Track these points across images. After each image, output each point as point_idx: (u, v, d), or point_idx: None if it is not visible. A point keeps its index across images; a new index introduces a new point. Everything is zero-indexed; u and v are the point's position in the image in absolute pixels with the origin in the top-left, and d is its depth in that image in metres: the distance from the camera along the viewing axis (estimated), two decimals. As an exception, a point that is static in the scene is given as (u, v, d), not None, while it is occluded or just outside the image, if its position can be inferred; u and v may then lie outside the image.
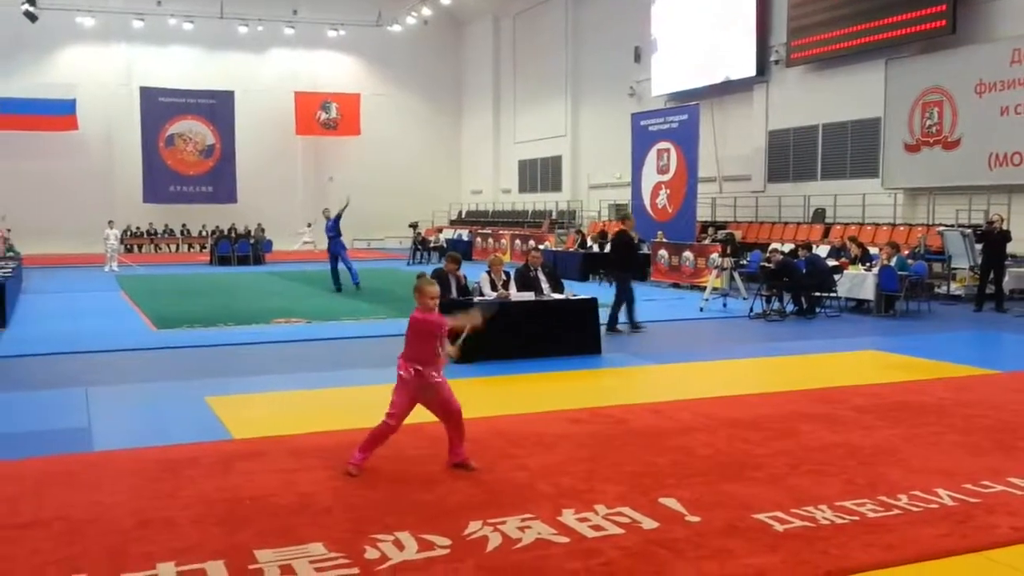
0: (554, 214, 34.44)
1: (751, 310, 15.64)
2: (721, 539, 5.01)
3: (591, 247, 25.40)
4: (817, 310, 15.78)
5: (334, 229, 20.15)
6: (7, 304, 15.06)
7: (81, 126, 37.25)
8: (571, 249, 26.01)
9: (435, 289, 6.52)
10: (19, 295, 18.36)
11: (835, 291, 16.05)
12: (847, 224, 21.87)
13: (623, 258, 14.26)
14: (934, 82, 20.32)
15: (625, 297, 13.83)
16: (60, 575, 4.57)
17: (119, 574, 4.57)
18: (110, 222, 29.16)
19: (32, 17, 33.28)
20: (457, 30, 43.71)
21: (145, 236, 39.38)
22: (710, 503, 5.61)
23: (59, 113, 36.81)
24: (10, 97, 36.08)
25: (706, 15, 27.21)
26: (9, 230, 31.67)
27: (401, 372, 6.41)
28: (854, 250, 17.42)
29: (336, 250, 20.09)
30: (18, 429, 7.92)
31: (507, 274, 12.06)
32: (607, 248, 24.52)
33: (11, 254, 25.22)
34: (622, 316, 13.78)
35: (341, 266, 20.15)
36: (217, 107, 39.65)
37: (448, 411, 6.50)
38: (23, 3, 32.73)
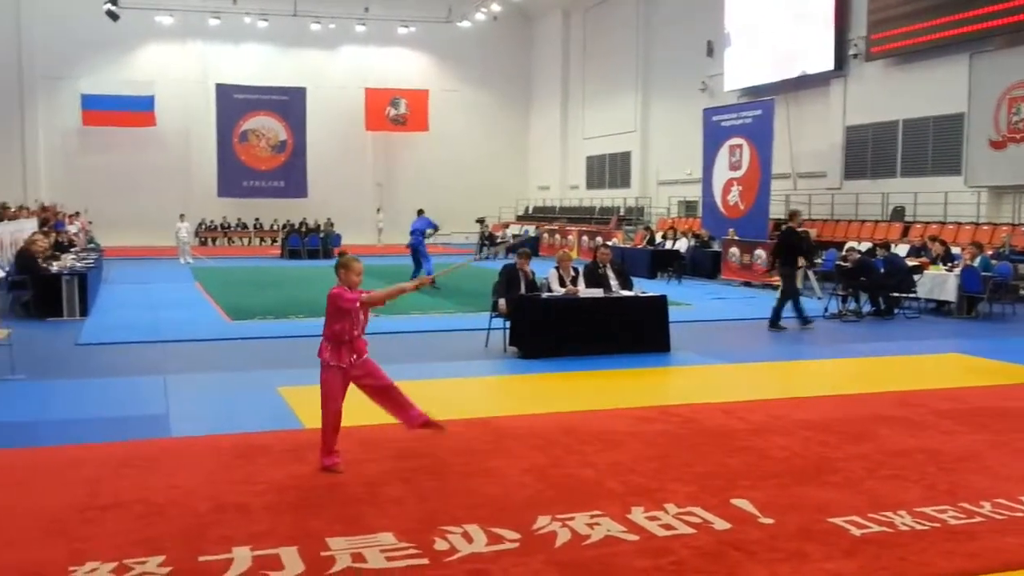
0: (622, 210, 34.21)
1: (826, 310, 15.34)
2: (796, 542, 4.92)
3: (661, 243, 25.17)
4: (895, 311, 15.40)
5: (422, 231, 20.10)
6: (88, 294, 15.51)
7: (159, 122, 38.14)
8: (639, 245, 25.81)
9: (360, 265, 6.37)
10: (100, 285, 18.89)
11: (914, 291, 15.63)
12: (927, 223, 21.29)
13: (792, 255, 14.28)
14: (1022, 76, 19.65)
15: (792, 294, 13.97)
16: (140, 555, 4.68)
17: (197, 556, 4.67)
18: (181, 215, 29.82)
19: (114, 16, 34.17)
20: (527, 25, 43.68)
21: (219, 229, 40.20)
22: (784, 505, 5.51)
23: (139, 109, 37.72)
24: (93, 94, 37.15)
25: (782, 8, 26.68)
26: (90, 222, 32.61)
27: (322, 357, 6.32)
28: (936, 249, 16.95)
29: (416, 244, 20.05)
30: (100, 414, 8.14)
31: (575, 270, 12.00)
32: (676, 244, 24.36)
33: (92, 246, 25.93)
34: (788, 312, 13.89)
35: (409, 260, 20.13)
36: (289, 103, 40.21)
37: (380, 387, 6.43)
38: (105, 3, 33.65)
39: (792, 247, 14.24)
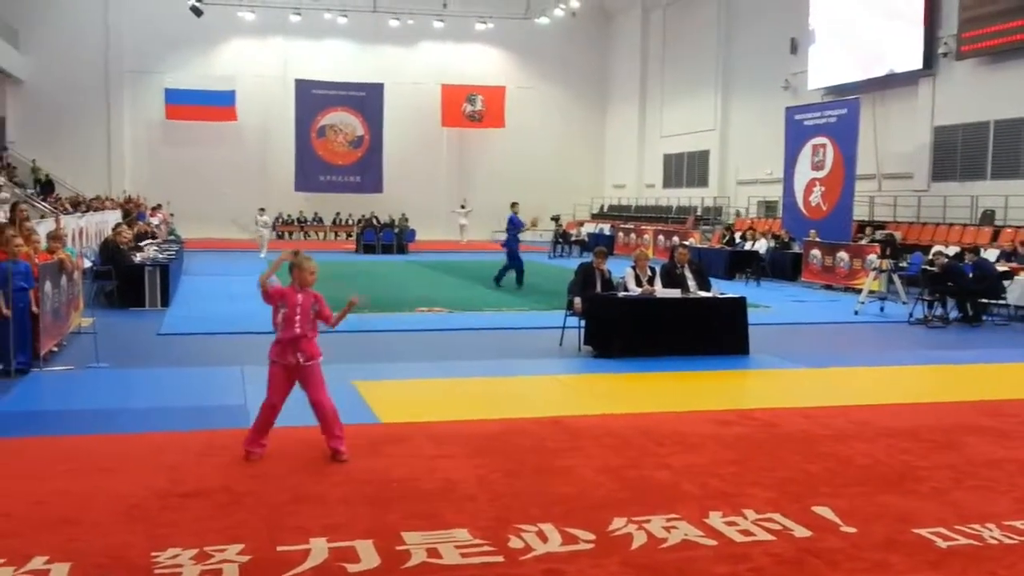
0: (699, 210, 33.80)
1: (911, 315, 14.89)
2: (879, 552, 4.80)
3: (740, 244, 24.77)
4: (983, 318, 14.93)
5: (515, 228, 19.43)
6: (170, 285, 15.86)
7: (239, 117, 38.92)
8: (717, 246, 25.46)
9: (314, 264, 6.45)
10: (180, 277, 19.32)
11: (1004, 298, 15.11)
12: (1018, 227, 20.55)
13: None
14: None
15: None
16: (220, 543, 4.76)
17: (275, 546, 4.72)
18: (260, 209, 30.24)
19: (198, 12, 34.94)
20: (605, 22, 43.42)
21: (295, 223, 40.85)
22: (867, 514, 5.38)
23: (220, 104, 38.47)
24: (176, 88, 38.07)
25: (870, 5, 26.04)
26: (172, 214, 33.42)
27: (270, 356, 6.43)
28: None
29: (510, 245, 19.69)
30: (180, 403, 8.33)
31: (652, 270, 11.86)
32: (755, 245, 23.98)
33: (173, 237, 26.51)
34: None
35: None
36: (367, 99, 40.61)
37: (311, 400, 6.38)
38: (190, -1, 34.48)
39: None
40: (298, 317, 6.37)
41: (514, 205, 20.29)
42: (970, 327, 14.56)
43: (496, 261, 20.52)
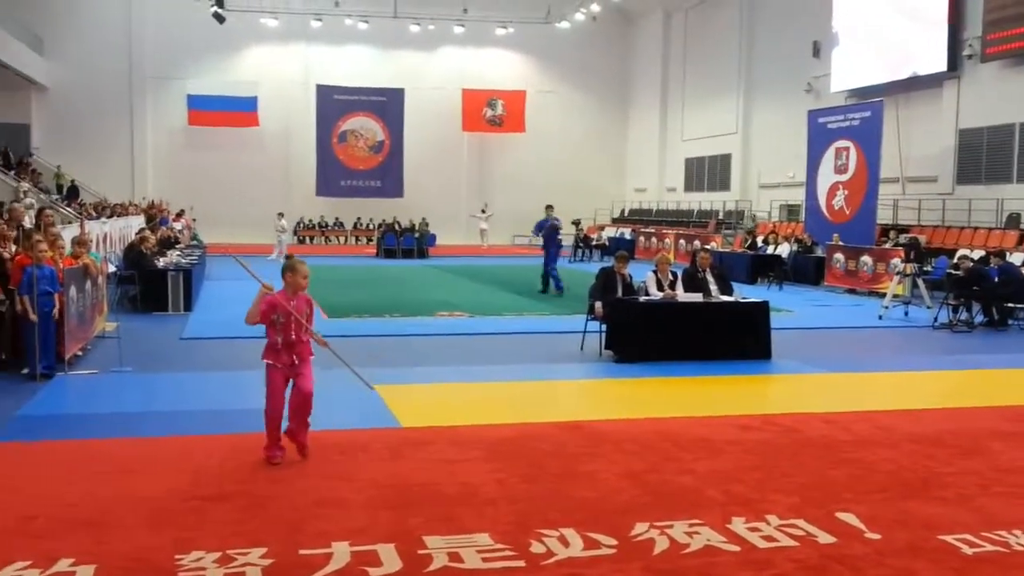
0: (720, 214, 33.67)
1: (935, 320, 14.76)
2: (904, 559, 4.76)
3: (762, 248, 24.63)
4: (1009, 322, 14.77)
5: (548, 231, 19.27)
6: (192, 290, 15.96)
7: (261, 122, 39.17)
8: (738, 250, 25.34)
9: (307, 268, 6.58)
10: (203, 281, 19.41)
11: (1031, 302, 14.96)
12: (1044, 231, 20.36)
13: None
14: None
15: None
16: (243, 546, 4.78)
17: (297, 550, 4.74)
18: (279, 214, 30.38)
19: (220, 19, 35.24)
20: (626, 26, 43.38)
21: (316, 228, 41.04)
22: (891, 521, 5.33)
23: (242, 110, 38.79)
24: (199, 94, 38.39)
25: (893, 7, 25.88)
26: (195, 220, 33.63)
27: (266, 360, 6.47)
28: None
29: (547, 249, 19.42)
30: (203, 407, 8.38)
31: (674, 274, 11.82)
32: (778, 249, 23.85)
33: (195, 242, 26.65)
34: None
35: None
36: (388, 104, 40.77)
37: (298, 387, 6.41)
38: (212, 5, 34.73)
39: None
40: (293, 323, 6.44)
41: (548, 208, 20.24)
42: (996, 331, 14.43)
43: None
